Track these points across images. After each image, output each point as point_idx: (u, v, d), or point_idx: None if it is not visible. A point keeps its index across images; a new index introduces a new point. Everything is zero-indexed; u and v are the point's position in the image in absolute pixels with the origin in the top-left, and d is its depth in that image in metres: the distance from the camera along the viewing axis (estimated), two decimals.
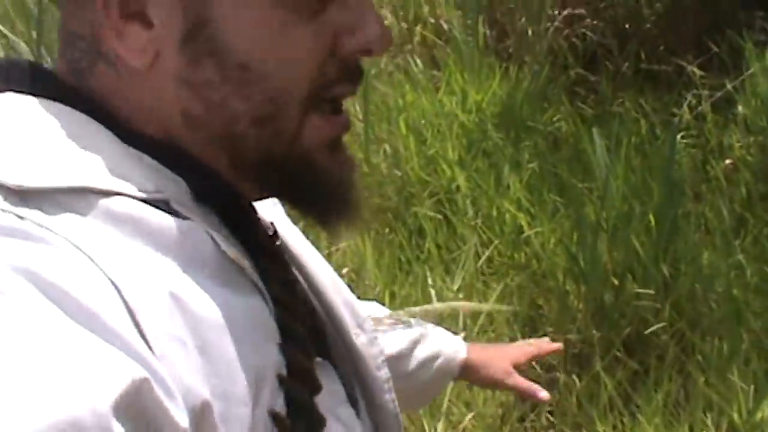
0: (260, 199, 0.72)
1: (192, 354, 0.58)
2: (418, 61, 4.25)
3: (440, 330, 1.19)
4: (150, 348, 0.55)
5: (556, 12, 4.26)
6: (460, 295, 2.92)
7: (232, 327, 0.61)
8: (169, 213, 0.62)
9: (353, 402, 0.75)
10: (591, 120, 3.55)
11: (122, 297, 0.55)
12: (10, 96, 0.63)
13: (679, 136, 3.28)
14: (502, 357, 1.23)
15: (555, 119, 3.67)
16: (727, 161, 3.23)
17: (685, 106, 3.53)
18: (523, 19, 4.31)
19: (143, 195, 0.61)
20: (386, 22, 4.59)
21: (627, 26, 4.08)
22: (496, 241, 3.09)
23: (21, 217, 0.55)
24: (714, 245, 2.94)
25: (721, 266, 2.80)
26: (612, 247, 2.83)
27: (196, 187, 0.65)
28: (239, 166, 0.67)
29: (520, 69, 3.99)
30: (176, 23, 0.63)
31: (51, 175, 0.58)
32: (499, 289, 2.91)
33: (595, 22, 4.18)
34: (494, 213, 3.19)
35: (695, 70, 3.60)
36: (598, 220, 2.85)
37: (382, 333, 1.03)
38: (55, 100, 0.63)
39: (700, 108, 3.49)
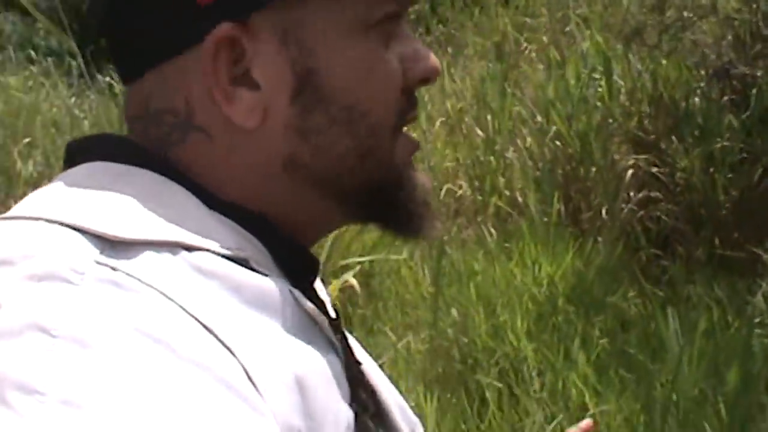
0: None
1: (292, 393, 0.60)
2: (492, 231, 4.30)
3: None
4: (254, 384, 0.57)
5: (632, 193, 4.31)
6: None
7: (318, 376, 0.63)
8: (251, 270, 0.65)
9: None
10: (662, 302, 3.53)
11: (218, 339, 0.58)
12: (100, 164, 0.67)
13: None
14: None
15: (627, 298, 3.65)
16: None
17: (759, 294, 3.50)
18: (598, 198, 4.37)
19: (227, 252, 0.64)
20: (461, 192, 4.68)
21: (702, 211, 4.10)
22: (561, 416, 3.04)
23: (114, 269, 0.58)
24: None
25: None
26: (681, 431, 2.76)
27: (274, 252, 0.68)
28: (343, 201, 0.72)
29: (594, 246, 4.01)
30: (285, 79, 0.67)
31: (143, 229, 0.61)
32: None
33: (670, 206, 4.22)
34: (560, 387, 3.15)
35: None
36: (668, 402, 2.79)
37: None
38: (142, 167, 0.67)
39: None
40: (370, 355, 0.84)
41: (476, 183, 4.87)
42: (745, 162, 4.00)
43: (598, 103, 4.59)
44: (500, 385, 3.21)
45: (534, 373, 3.22)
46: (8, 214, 0.64)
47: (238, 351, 0.58)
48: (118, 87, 6.04)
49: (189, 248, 0.62)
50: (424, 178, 0.75)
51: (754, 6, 4.03)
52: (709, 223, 4.04)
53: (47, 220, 0.61)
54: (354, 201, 0.72)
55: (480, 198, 4.76)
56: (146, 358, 0.54)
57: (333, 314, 0.78)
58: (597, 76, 4.67)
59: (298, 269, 0.71)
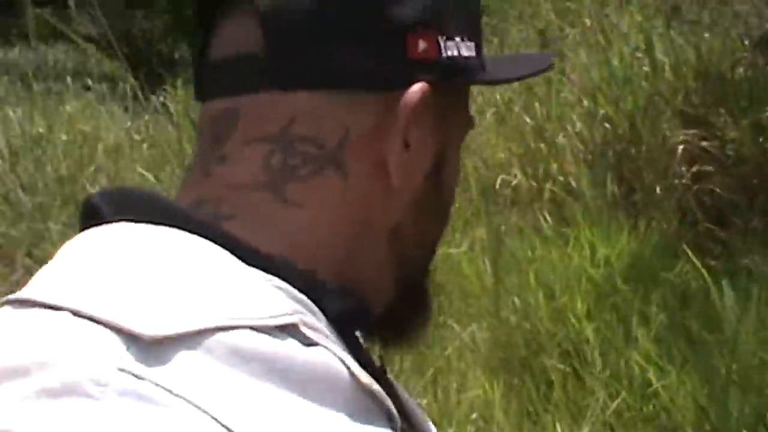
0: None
1: None
2: (548, 217, 4.36)
3: None
4: None
5: (683, 169, 4.33)
6: None
7: None
8: (297, 339, 0.58)
9: None
10: (720, 274, 3.56)
11: None
12: (131, 225, 0.61)
13: None
14: None
15: (684, 273, 3.69)
16: None
17: None
18: (651, 176, 4.39)
19: (270, 322, 0.57)
20: (516, 181, 4.74)
21: (755, 181, 4.10)
22: (624, 394, 3.10)
23: (139, 377, 0.51)
24: None
25: None
26: (744, 401, 2.80)
27: (333, 312, 0.63)
28: (400, 284, 0.71)
29: (649, 225, 4.05)
30: (429, 152, 0.68)
31: (176, 320, 0.54)
32: None
33: (722, 179, 4.23)
34: (622, 365, 3.21)
35: None
36: (728, 373, 2.84)
37: None
38: (170, 226, 0.60)
39: None
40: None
41: (529, 171, 4.92)
42: None
43: (644, 82, 4.61)
44: (564, 367, 3.28)
45: (596, 354, 3.28)
46: (26, 295, 0.57)
47: None
48: (173, 107, 6.22)
49: (228, 329, 0.55)
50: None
51: None
52: (763, 192, 4.05)
53: (71, 312, 0.54)
54: (402, 288, 0.72)
55: (534, 185, 4.81)
56: None
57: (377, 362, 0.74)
58: (640, 55, 4.69)
59: (350, 326, 0.66)
